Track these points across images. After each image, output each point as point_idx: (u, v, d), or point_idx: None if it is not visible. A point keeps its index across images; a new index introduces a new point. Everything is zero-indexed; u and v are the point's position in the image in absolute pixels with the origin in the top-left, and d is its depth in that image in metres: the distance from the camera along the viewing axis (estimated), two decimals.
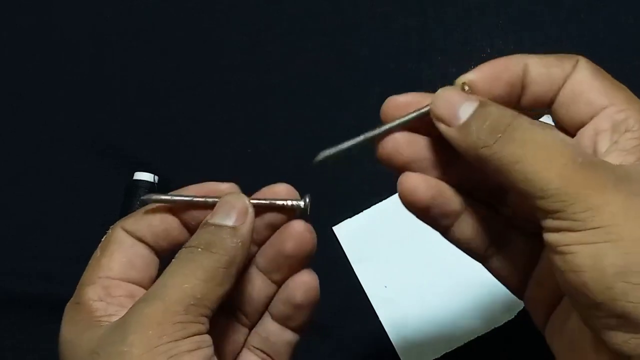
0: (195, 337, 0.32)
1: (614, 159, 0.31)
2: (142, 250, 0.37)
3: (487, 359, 0.55)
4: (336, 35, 0.65)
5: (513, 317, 0.55)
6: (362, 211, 0.59)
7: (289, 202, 0.37)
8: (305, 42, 0.65)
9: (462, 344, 0.55)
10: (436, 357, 0.55)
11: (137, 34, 0.66)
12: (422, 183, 0.36)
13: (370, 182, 0.59)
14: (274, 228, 0.38)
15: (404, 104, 0.36)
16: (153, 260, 0.37)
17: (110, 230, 0.38)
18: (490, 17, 0.64)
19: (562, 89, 0.34)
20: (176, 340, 0.31)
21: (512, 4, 0.64)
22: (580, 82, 0.33)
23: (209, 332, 0.33)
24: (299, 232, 0.37)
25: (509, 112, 0.32)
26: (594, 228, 0.28)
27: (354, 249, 0.58)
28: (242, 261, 0.35)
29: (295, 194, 0.38)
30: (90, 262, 0.37)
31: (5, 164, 0.64)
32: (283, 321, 0.39)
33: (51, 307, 0.59)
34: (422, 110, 0.35)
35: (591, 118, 0.33)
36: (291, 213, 0.37)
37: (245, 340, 0.40)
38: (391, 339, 0.56)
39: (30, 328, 0.59)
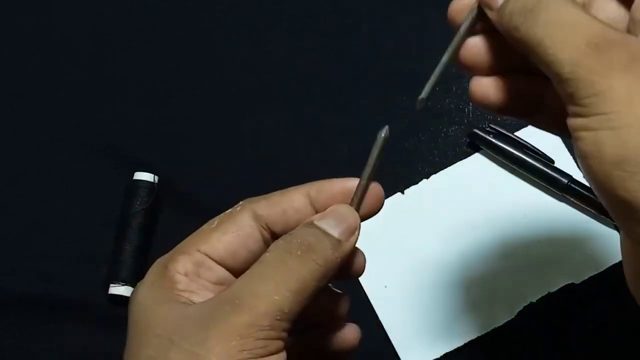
0: (272, 356, 0.31)
1: None
2: (256, 243, 0.35)
3: (487, 359, 0.55)
4: (336, 35, 0.65)
5: (513, 317, 0.55)
6: None
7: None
8: (305, 42, 0.65)
9: (462, 344, 0.55)
10: (436, 357, 0.55)
11: (137, 34, 0.66)
12: (491, 89, 0.35)
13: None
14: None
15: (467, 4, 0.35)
16: (261, 253, 0.34)
17: (239, 206, 0.35)
18: None
19: None
20: (256, 358, 0.30)
21: None
22: None
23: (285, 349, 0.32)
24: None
25: None
26: (597, 114, 0.28)
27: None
28: (329, 281, 0.33)
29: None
30: (202, 228, 0.35)
31: (5, 164, 0.64)
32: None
33: (51, 307, 0.59)
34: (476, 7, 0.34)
35: None
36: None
37: None
38: (391, 339, 0.56)
39: (30, 328, 0.59)
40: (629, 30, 0.32)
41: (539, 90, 0.36)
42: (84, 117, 0.64)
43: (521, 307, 0.55)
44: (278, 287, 0.31)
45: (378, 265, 0.57)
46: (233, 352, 0.30)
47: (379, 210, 0.37)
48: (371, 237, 0.58)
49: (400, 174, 0.60)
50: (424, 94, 0.35)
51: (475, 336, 0.55)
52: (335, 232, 0.33)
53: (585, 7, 0.34)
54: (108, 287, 0.58)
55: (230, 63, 0.65)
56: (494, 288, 0.56)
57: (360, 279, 0.57)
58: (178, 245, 0.35)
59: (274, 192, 0.36)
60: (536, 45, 0.30)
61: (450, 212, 0.58)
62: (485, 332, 0.55)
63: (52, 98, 0.65)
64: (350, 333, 0.38)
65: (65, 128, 0.64)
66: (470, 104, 0.62)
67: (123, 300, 0.57)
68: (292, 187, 0.36)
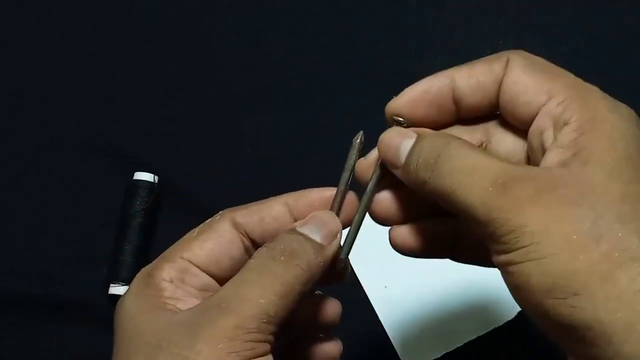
0: (259, 359, 0.31)
1: (553, 157, 0.30)
2: (237, 250, 0.36)
3: (487, 359, 0.55)
4: (336, 35, 0.65)
5: (513, 317, 0.55)
6: None
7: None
8: (305, 42, 0.65)
9: (462, 343, 0.55)
10: (436, 357, 0.55)
11: (137, 34, 0.66)
12: (409, 236, 0.37)
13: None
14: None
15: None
16: (243, 263, 0.35)
17: (219, 216, 0.36)
18: (490, 17, 0.64)
19: (501, 95, 0.33)
20: None
21: (512, 4, 0.64)
22: (515, 82, 0.33)
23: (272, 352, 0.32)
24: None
25: (440, 142, 0.32)
26: (518, 249, 0.29)
27: (354, 249, 0.58)
28: (315, 285, 0.34)
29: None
30: (183, 237, 0.36)
31: (5, 164, 0.64)
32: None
33: (51, 307, 0.59)
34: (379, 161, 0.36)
35: (534, 118, 0.32)
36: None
37: None
38: (391, 339, 0.56)
39: (30, 328, 0.59)
40: (528, 160, 0.33)
41: (454, 230, 0.37)
42: (84, 117, 0.64)
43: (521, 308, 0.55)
44: (264, 291, 0.32)
45: (378, 265, 0.57)
46: (221, 354, 0.30)
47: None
48: (371, 237, 0.58)
49: None
50: (342, 255, 0.36)
51: (475, 336, 0.55)
52: (317, 237, 0.34)
53: (484, 145, 0.35)
54: (108, 287, 0.58)
55: (230, 63, 0.65)
56: (494, 288, 0.56)
57: (360, 279, 0.58)
58: (161, 255, 0.36)
59: (254, 202, 0.37)
60: (446, 194, 0.31)
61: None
62: (485, 332, 0.55)
63: (52, 98, 0.65)
64: (330, 347, 0.39)
65: (65, 128, 0.64)
66: None
67: None
68: (272, 197, 0.37)
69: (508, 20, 0.64)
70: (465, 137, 0.34)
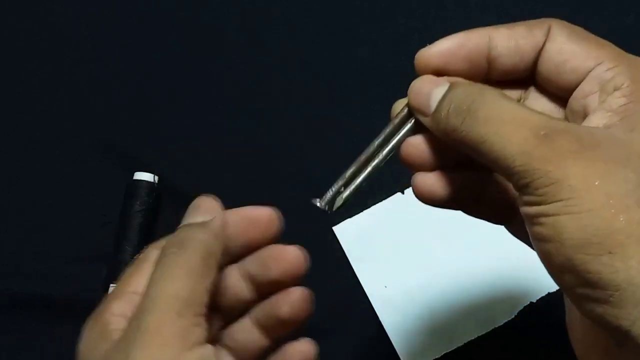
0: (197, 348, 0.31)
1: (598, 120, 0.30)
2: None
3: (487, 359, 0.55)
4: (336, 35, 0.65)
5: (513, 317, 0.55)
6: (362, 211, 0.59)
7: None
8: (305, 42, 0.65)
9: (462, 344, 0.55)
10: (436, 357, 0.55)
11: (137, 34, 0.66)
12: (436, 185, 0.35)
13: (371, 182, 0.59)
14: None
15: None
16: None
17: (144, 250, 0.37)
18: (490, 17, 0.64)
19: (542, 61, 0.33)
20: (180, 353, 0.31)
21: (512, 4, 0.64)
22: (559, 50, 0.32)
23: (209, 341, 0.32)
24: (296, 300, 0.36)
25: (475, 90, 0.31)
26: (554, 202, 0.28)
27: (354, 249, 0.58)
28: (219, 252, 0.34)
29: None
30: (122, 276, 0.37)
31: (6, 164, 0.64)
32: (262, 328, 0.38)
33: (51, 307, 0.59)
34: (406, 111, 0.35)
35: (579, 84, 0.32)
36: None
37: (217, 335, 0.39)
38: (391, 339, 0.56)
39: (30, 328, 0.59)
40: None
41: (481, 182, 0.36)
42: (84, 117, 0.64)
43: (521, 307, 0.55)
44: (167, 282, 0.32)
45: (378, 265, 0.57)
46: (156, 352, 0.30)
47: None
48: (371, 237, 0.58)
49: (400, 174, 0.60)
50: (338, 203, 0.37)
51: (475, 336, 0.55)
52: (197, 219, 0.35)
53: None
54: (108, 287, 0.58)
55: (230, 63, 0.65)
56: (494, 288, 0.56)
57: (360, 279, 0.58)
58: (107, 297, 0.36)
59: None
60: (479, 143, 0.30)
61: (450, 211, 0.58)
62: (485, 332, 0.55)
63: (52, 98, 0.65)
64: (303, 346, 0.38)
65: (65, 128, 0.64)
66: None
67: None
68: None
69: (508, 20, 0.64)
70: None
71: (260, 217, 0.36)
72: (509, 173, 0.30)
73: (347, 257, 0.58)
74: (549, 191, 0.28)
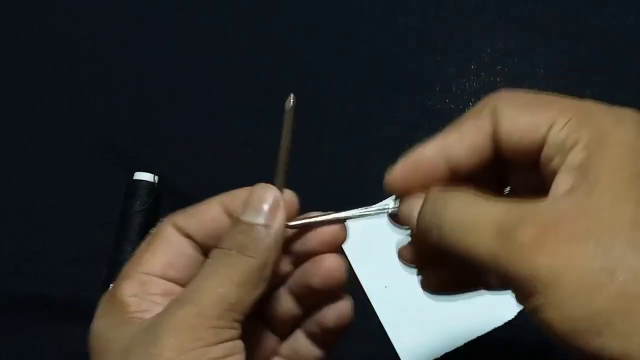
0: (227, 343, 0.32)
1: (563, 183, 0.29)
2: (187, 249, 0.36)
3: (487, 359, 0.55)
4: (336, 35, 0.65)
5: (513, 317, 0.55)
6: None
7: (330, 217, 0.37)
8: (305, 42, 0.65)
9: (462, 344, 0.55)
10: (436, 357, 0.55)
11: (137, 34, 0.66)
12: (437, 279, 0.37)
13: (371, 182, 0.59)
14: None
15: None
16: (197, 260, 0.36)
17: (158, 224, 0.37)
18: (490, 17, 0.64)
19: (501, 145, 0.32)
20: (208, 346, 0.31)
21: (512, 4, 0.64)
22: (512, 128, 0.32)
23: (241, 338, 0.33)
24: (328, 269, 0.36)
25: (440, 201, 0.32)
26: (533, 296, 0.28)
27: (354, 249, 0.58)
28: (275, 262, 0.34)
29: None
30: (134, 253, 0.37)
31: (6, 164, 0.64)
32: (313, 339, 0.38)
33: (51, 307, 0.59)
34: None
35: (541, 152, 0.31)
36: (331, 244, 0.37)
37: (277, 349, 0.39)
38: (391, 339, 0.56)
39: (30, 328, 0.59)
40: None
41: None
42: (84, 117, 0.64)
43: (521, 307, 0.55)
44: (221, 280, 0.32)
45: (378, 265, 0.57)
46: (185, 343, 0.31)
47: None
48: (371, 237, 0.58)
49: None
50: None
51: (475, 336, 0.55)
52: (260, 219, 0.34)
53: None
54: (108, 287, 0.58)
55: (230, 63, 0.65)
56: None
57: (360, 279, 0.58)
58: (119, 275, 0.36)
59: (193, 205, 0.37)
60: (456, 251, 0.31)
61: None
62: (485, 332, 0.55)
63: (52, 98, 0.65)
64: (341, 305, 0.38)
65: (65, 128, 0.64)
66: (470, 104, 0.62)
67: None
68: (209, 199, 0.38)
69: (508, 20, 0.64)
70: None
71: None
72: (484, 272, 0.30)
73: (347, 257, 0.58)
74: (525, 286, 0.28)
